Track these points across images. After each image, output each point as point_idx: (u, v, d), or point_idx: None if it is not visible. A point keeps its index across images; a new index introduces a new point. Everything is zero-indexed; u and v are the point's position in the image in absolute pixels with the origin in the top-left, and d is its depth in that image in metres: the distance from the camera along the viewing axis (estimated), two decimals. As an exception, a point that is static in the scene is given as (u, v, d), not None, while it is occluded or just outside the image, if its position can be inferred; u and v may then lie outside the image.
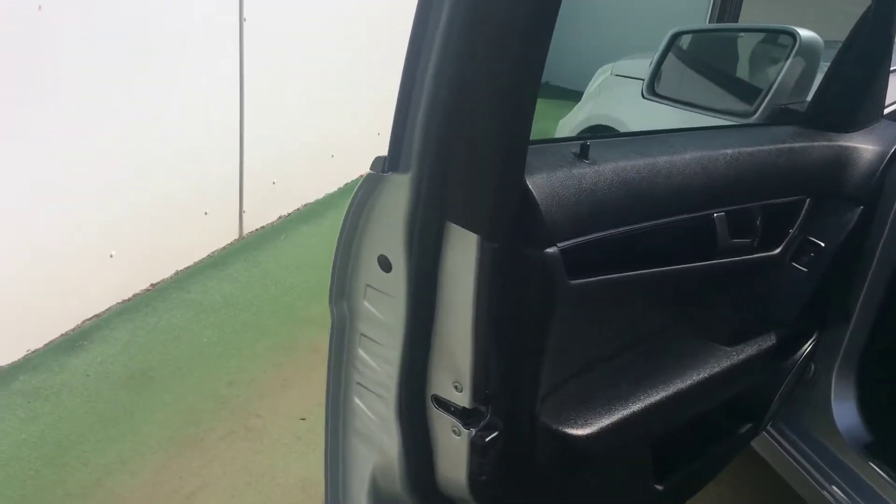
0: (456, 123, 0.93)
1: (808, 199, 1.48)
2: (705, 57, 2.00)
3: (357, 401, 1.14)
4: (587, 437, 1.18)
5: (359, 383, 1.13)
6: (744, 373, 1.45)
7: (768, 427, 1.93)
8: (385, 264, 1.01)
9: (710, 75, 1.96)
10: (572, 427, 1.18)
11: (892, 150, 1.52)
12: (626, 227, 1.15)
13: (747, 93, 1.73)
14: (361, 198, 1.01)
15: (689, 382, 1.34)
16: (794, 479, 1.86)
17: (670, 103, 1.74)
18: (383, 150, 1.00)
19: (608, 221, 1.13)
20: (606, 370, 1.27)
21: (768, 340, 1.50)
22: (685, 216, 1.24)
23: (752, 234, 1.39)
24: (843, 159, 1.51)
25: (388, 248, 1.01)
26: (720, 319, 1.47)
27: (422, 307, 1.02)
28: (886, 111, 1.68)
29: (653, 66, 1.77)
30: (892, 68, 1.88)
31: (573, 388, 1.21)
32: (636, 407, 1.26)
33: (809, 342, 1.62)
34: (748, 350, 1.46)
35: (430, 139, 0.94)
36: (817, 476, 1.80)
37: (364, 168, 1.02)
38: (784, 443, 1.90)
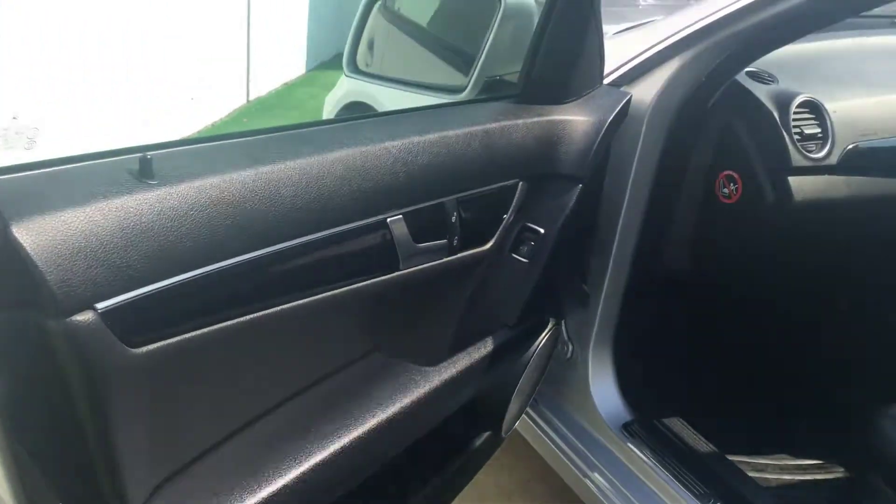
0: None
1: (520, 183, 1.33)
2: (422, 24, 1.81)
3: None
4: None
5: None
6: (458, 388, 1.29)
7: (532, 414, 1.84)
8: None
9: (429, 47, 1.76)
10: None
11: (610, 118, 1.40)
12: (231, 262, 0.87)
13: (463, 65, 1.56)
14: None
15: (372, 423, 1.14)
16: (559, 465, 1.79)
17: (376, 81, 1.54)
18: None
19: (194, 260, 0.85)
20: (240, 445, 1.03)
21: (489, 343, 1.35)
22: (331, 231, 1.00)
23: (451, 232, 1.21)
24: (556, 134, 1.36)
25: None
26: (417, 338, 1.30)
27: None
28: (613, 76, 1.58)
29: (351, 37, 1.54)
30: (620, 29, 1.81)
31: (191, 481, 0.96)
32: (285, 479, 1.02)
33: (544, 334, 1.50)
34: (461, 362, 1.30)
35: None
36: (579, 462, 1.73)
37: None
38: (547, 428, 1.82)
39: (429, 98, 1.55)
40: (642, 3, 2.93)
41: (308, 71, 7.71)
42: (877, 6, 1.39)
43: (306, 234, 0.96)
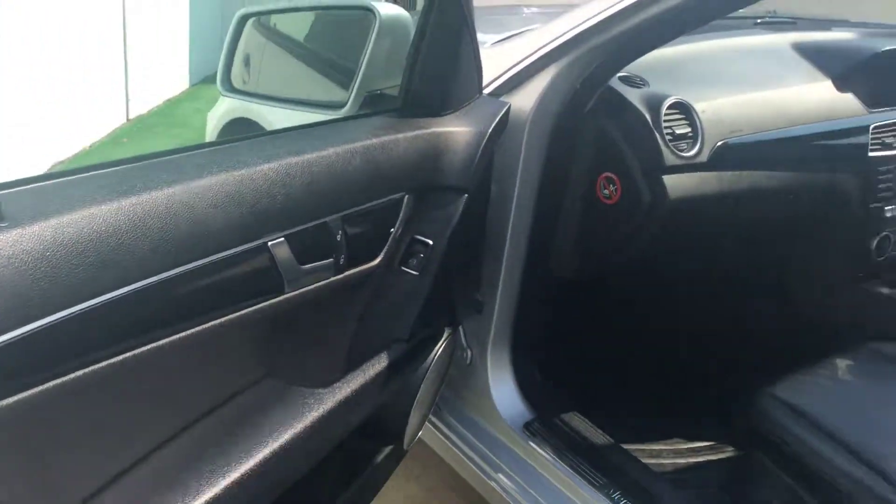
0: None
1: (406, 196, 1.33)
2: (300, 40, 1.79)
3: None
4: None
5: None
6: (354, 407, 1.28)
7: (436, 422, 1.85)
8: None
9: (308, 62, 1.74)
10: None
11: (491, 128, 1.42)
12: (98, 301, 0.83)
13: (343, 80, 1.55)
14: None
15: (265, 452, 1.11)
16: (465, 470, 1.81)
17: (254, 99, 1.51)
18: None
19: (53, 303, 0.79)
20: (121, 492, 0.98)
21: (383, 359, 1.35)
22: (208, 260, 0.96)
23: (337, 250, 1.19)
24: (438, 146, 1.37)
25: None
26: (309, 361, 1.28)
27: None
28: (493, 86, 1.60)
29: (224, 54, 1.51)
30: (500, 38, 1.84)
31: None
32: None
33: (440, 344, 1.51)
34: (355, 381, 1.29)
35: None
36: (483, 465, 1.75)
37: None
38: (452, 435, 1.84)
39: (311, 114, 1.53)
40: (525, 11, 2.97)
41: (192, 85, 7.48)
42: (742, 7, 1.46)
43: (180, 265, 0.93)
